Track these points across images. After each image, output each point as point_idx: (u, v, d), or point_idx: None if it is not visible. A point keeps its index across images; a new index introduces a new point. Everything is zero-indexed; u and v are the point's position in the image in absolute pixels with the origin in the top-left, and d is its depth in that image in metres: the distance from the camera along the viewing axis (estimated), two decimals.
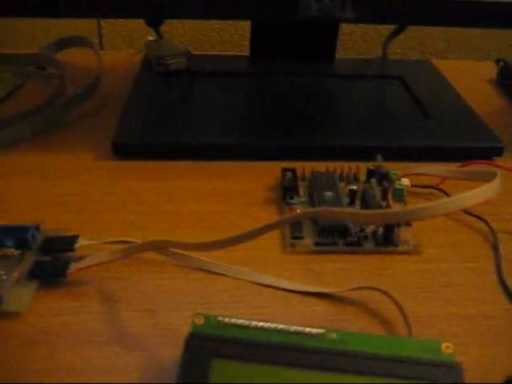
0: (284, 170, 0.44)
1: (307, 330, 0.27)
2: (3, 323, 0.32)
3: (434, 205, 0.28)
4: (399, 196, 0.41)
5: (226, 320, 0.27)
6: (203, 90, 0.56)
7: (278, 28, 0.62)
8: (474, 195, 0.28)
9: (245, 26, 0.81)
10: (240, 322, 0.27)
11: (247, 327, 0.27)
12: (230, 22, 0.81)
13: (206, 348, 0.26)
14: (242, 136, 0.48)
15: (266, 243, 0.38)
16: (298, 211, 0.37)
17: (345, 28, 0.75)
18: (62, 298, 0.33)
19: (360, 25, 0.85)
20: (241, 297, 0.34)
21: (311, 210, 0.31)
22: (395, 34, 0.63)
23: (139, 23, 0.78)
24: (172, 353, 0.30)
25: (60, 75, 0.56)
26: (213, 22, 0.81)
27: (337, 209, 0.35)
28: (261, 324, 0.27)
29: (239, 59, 0.64)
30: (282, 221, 0.32)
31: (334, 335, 0.27)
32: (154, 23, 0.61)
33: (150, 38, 0.65)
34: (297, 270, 0.36)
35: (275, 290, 0.35)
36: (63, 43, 0.65)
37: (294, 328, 0.27)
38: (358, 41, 0.88)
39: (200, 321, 0.27)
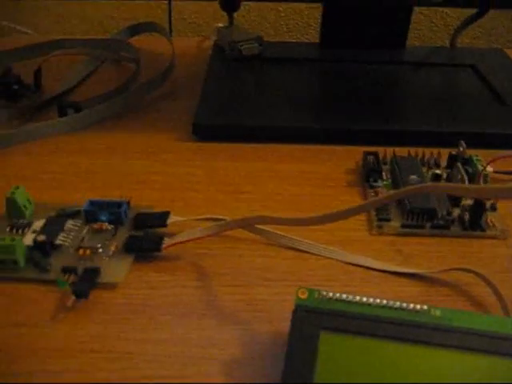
0: (366, 154, 0.43)
1: (411, 305, 0.27)
2: (102, 294, 0.32)
3: None
4: (485, 182, 0.40)
5: (331, 294, 0.27)
6: (277, 75, 0.57)
7: (348, 15, 0.62)
8: None
9: (311, 14, 0.81)
10: (344, 296, 0.27)
11: (351, 302, 0.27)
12: (297, 10, 0.81)
13: (313, 321, 0.26)
14: (321, 120, 0.48)
15: (351, 225, 0.38)
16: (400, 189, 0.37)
17: None
18: (157, 271, 0.34)
19: (427, 14, 0.85)
20: (332, 276, 0.34)
21: (420, 185, 0.31)
22: (473, 19, 0.62)
23: (206, 11, 0.79)
24: (267, 328, 0.31)
25: (135, 59, 0.57)
26: (279, 9, 0.81)
27: (443, 184, 0.34)
28: (365, 299, 0.27)
29: (310, 46, 0.64)
30: (383, 199, 0.32)
31: (437, 312, 0.27)
32: (230, 8, 0.61)
33: (220, 25, 0.65)
34: (384, 251, 0.36)
35: (366, 270, 0.35)
36: (135, 29, 0.66)
37: (398, 303, 0.27)
38: (423, 29, 0.87)
39: (304, 294, 0.27)
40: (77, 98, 0.54)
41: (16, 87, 0.53)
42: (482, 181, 0.39)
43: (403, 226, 0.38)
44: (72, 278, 0.32)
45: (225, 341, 0.30)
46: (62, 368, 0.28)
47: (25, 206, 0.38)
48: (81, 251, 0.34)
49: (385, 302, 0.27)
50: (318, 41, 0.64)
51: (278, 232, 0.36)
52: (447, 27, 0.84)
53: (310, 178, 0.43)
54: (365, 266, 0.35)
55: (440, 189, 0.32)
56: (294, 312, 0.26)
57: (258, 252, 0.36)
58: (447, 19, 0.85)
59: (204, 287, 0.33)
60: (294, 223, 0.34)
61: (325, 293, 0.27)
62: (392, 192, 0.32)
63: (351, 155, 0.46)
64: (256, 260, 0.35)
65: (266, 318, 0.31)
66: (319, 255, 0.36)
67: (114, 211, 0.37)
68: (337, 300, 0.27)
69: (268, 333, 0.30)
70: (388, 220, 0.38)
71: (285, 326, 0.28)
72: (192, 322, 0.31)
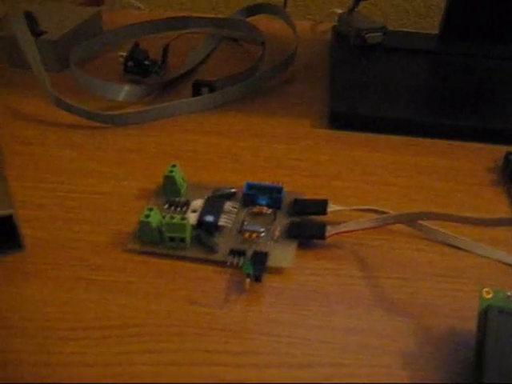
0: (509, 154, 0.43)
1: None
2: (270, 278, 0.33)
3: None
4: None
5: None
6: (399, 65, 0.56)
7: (474, 7, 0.60)
8: None
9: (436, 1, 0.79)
10: None
11: None
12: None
13: (508, 321, 0.26)
14: (458, 116, 0.48)
15: None
16: None
17: None
18: (320, 259, 0.35)
19: None
20: (488, 275, 0.34)
21: None
22: None
23: None
24: (436, 323, 0.31)
25: (262, 42, 0.57)
26: None
27: None
28: None
29: (434, 38, 0.63)
30: None
31: None
32: None
33: (338, 11, 0.65)
34: None
35: None
36: (252, 10, 0.66)
37: None
38: None
39: (489, 294, 0.28)
40: (203, 76, 0.54)
41: (147, 63, 0.54)
42: None
43: None
44: (241, 260, 0.33)
45: (398, 333, 0.30)
46: (243, 349, 0.29)
47: (181, 185, 0.39)
48: (246, 234, 0.35)
49: None
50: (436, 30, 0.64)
51: (436, 228, 0.36)
52: None
53: (449, 173, 0.43)
54: None
55: None
56: (485, 312, 0.27)
57: (416, 246, 0.36)
58: None
59: (368, 278, 0.34)
60: (471, 222, 0.34)
61: (509, 293, 0.28)
62: None
63: (489, 153, 0.46)
64: (415, 254, 0.36)
65: (433, 313, 0.32)
66: (476, 253, 0.36)
67: (273, 196, 0.37)
68: None
69: (438, 328, 0.31)
70: None
71: (455, 322, 0.30)
72: (363, 312, 0.31)
